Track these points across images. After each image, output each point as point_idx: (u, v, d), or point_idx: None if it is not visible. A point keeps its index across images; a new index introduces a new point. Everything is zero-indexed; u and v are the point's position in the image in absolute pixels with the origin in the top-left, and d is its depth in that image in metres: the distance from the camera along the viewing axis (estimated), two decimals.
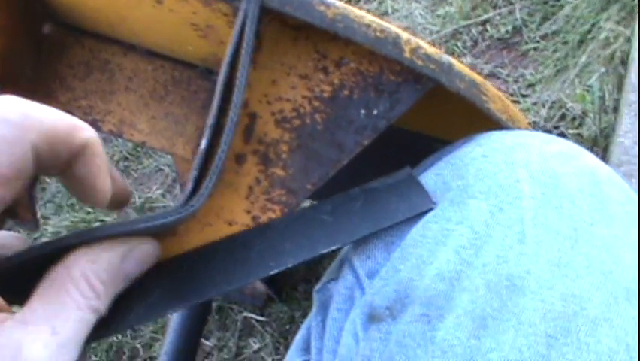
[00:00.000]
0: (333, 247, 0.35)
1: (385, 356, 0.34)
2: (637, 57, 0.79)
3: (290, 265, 0.35)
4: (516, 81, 0.92)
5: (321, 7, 0.34)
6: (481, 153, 0.37)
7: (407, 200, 0.37)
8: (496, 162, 0.36)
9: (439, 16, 1.08)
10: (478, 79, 0.38)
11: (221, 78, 0.32)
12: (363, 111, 0.36)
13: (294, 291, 0.89)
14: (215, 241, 0.35)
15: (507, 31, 0.99)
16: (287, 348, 0.84)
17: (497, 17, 1.00)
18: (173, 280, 0.34)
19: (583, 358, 0.30)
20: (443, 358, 0.32)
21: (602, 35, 0.81)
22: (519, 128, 0.41)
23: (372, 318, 0.37)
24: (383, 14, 1.14)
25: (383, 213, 0.36)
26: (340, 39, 0.35)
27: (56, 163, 0.28)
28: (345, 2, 0.35)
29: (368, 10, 1.04)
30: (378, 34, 0.34)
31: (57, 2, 0.45)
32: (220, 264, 0.35)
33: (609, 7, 0.87)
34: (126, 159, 1.15)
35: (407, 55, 0.35)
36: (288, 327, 0.86)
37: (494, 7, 1.04)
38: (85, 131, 0.28)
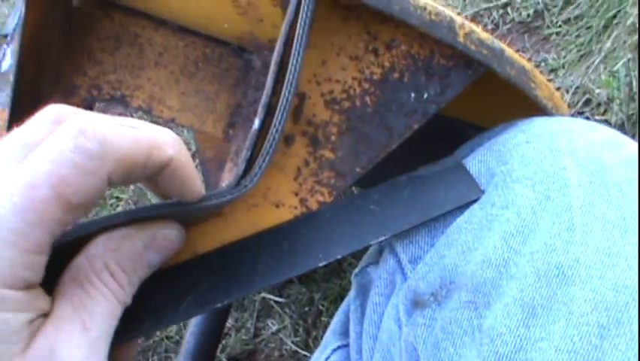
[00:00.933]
0: (382, 238, 0.35)
1: (430, 343, 0.34)
2: None
3: (339, 257, 0.34)
4: (538, 66, 0.91)
5: None
6: (524, 139, 0.37)
7: (455, 189, 0.36)
8: (541, 148, 0.36)
9: None
10: (527, 65, 0.37)
11: (275, 57, 0.32)
12: (413, 95, 0.36)
13: (313, 273, 0.87)
14: (261, 231, 0.35)
15: (528, 15, 0.98)
16: (306, 330, 0.83)
17: (518, 0, 0.99)
18: (220, 272, 0.33)
19: (636, 350, 0.29)
20: (491, 346, 0.31)
21: (629, 21, 0.80)
22: (561, 115, 0.41)
23: (416, 304, 0.36)
24: None
25: (431, 202, 0.36)
26: (391, 21, 0.34)
27: (130, 182, 0.27)
28: None
29: None
30: (433, 17, 0.33)
31: None
32: (266, 256, 0.34)
33: None
34: None
35: (461, 39, 0.34)
36: (307, 309, 0.86)
37: None
38: (165, 150, 0.26)
